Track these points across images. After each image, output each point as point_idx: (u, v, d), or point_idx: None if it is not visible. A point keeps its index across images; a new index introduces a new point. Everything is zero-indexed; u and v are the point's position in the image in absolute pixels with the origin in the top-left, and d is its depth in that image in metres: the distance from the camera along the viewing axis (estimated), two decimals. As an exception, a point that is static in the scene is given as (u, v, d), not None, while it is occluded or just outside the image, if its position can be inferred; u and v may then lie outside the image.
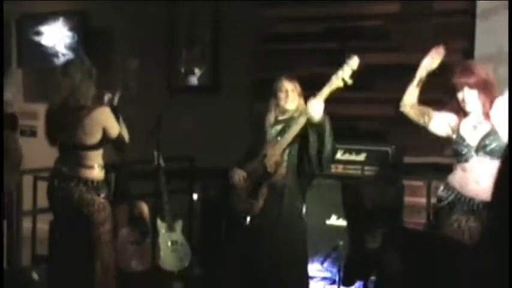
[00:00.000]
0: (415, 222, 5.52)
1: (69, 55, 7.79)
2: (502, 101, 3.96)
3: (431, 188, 5.71)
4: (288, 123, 4.65)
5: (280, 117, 4.71)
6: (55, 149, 4.98)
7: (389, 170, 5.54)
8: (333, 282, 5.36)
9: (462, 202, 4.05)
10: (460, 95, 4.05)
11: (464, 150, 4.03)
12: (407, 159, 5.83)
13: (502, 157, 2.11)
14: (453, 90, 4.08)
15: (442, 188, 4.19)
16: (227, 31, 7.17)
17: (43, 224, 6.01)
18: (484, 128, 4.02)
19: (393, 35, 6.33)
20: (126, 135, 4.90)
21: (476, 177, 3.99)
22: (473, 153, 4.01)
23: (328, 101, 4.46)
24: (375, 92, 6.15)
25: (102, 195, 4.83)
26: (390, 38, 6.33)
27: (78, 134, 4.73)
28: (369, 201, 3.42)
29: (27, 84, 8.46)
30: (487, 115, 4.01)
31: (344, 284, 4.90)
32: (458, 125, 4.10)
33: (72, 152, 4.79)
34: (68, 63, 5.08)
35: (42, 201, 5.20)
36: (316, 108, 4.42)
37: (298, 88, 4.68)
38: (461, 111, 4.10)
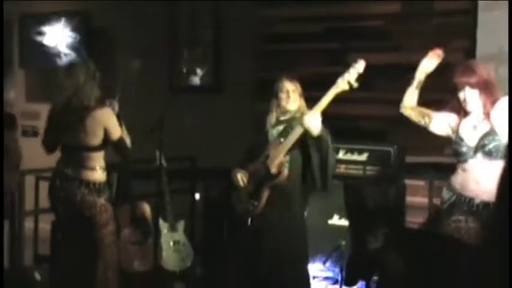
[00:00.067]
0: (417, 222, 5.52)
1: (71, 55, 7.80)
2: (504, 101, 3.96)
3: (433, 187, 5.72)
4: (289, 123, 4.64)
5: (282, 118, 4.71)
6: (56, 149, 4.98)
7: (391, 170, 5.54)
8: (335, 282, 5.36)
9: (462, 202, 4.05)
10: (461, 95, 4.05)
11: (464, 151, 4.03)
12: (409, 159, 5.82)
13: (505, 157, 2.12)
14: (454, 90, 4.08)
15: (445, 189, 4.20)
16: (229, 31, 7.17)
17: (45, 224, 6.02)
18: (484, 128, 4.02)
19: (394, 34, 6.33)
20: (128, 140, 4.89)
21: (476, 177, 3.99)
22: (472, 153, 4.01)
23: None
24: (376, 92, 6.15)
25: (104, 197, 4.83)
26: (391, 38, 6.33)
27: (80, 134, 4.73)
28: (371, 201, 3.44)
29: (29, 84, 8.47)
30: (487, 115, 4.01)
31: (346, 284, 4.91)
32: (459, 124, 4.10)
33: (74, 153, 4.79)
34: (71, 64, 5.08)
35: (44, 201, 5.21)
36: (314, 122, 4.42)
37: (299, 88, 4.68)
38: (461, 111, 4.10)
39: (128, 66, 7.63)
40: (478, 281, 1.93)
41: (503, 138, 3.92)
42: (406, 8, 6.28)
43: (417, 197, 5.81)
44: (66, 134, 4.79)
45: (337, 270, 5.25)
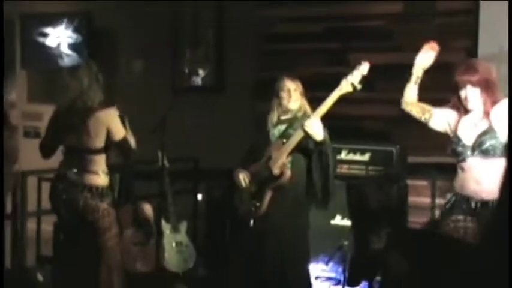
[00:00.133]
0: (420, 222, 5.52)
1: (73, 56, 7.80)
2: (504, 102, 3.97)
3: (436, 188, 5.72)
4: (291, 123, 4.64)
5: (283, 117, 4.70)
6: (58, 150, 4.98)
7: (393, 170, 5.54)
8: (338, 282, 5.36)
9: (462, 202, 4.05)
10: (462, 93, 4.05)
11: (461, 150, 4.03)
12: (411, 159, 5.82)
13: (504, 156, 2.12)
14: (456, 88, 4.08)
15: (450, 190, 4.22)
16: (231, 31, 7.17)
17: (47, 225, 6.03)
18: (483, 126, 4.02)
19: (396, 35, 6.32)
20: (132, 141, 4.88)
21: (475, 177, 3.99)
22: (469, 152, 4.01)
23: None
24: (378, 92, 6.15)
25: (107, 201, 4.82)
26: (393, 38, 6.33)
27: (83, 137, 4.72)
28: (374, 201, 3.43)
29: (31, 85, 8.47)
30: (487, 114, 4.01)
31: (349, 285, 4.91)
32: (458, 122, 4.11)
33: (76, 155, 4.78)
34: (75, 67, 5.08)
35: (47, 202, 5.20)
36: (316, 128, 4.43)
37: (301, 87, 4.68)
38: (462, 109, 4.10)
39: (130, 67, 7.63)
40: (479, 281, 1.93)
41: (502, 137, 3.93)
42: (408, 8, 6.28)
43: (420, 197, 5.81)
44: (69, 135, 4.79)
45: (339, 270, 5.25)
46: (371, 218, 3.39)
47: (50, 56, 8.03)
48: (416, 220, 5.53)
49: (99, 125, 4.73)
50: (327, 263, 5.36)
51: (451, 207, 4.10)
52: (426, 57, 4.27)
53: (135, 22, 7.58)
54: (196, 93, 7.37)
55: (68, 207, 4.79)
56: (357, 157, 5.73)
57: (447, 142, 4.18)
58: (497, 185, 2.01)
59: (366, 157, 5.71)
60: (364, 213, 3.34)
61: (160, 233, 5.64)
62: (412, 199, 5.70)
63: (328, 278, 5.52)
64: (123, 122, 4.84)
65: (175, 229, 5.79)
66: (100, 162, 4.80)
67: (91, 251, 4.79)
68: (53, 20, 8.00)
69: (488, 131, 3.98)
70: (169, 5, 7.40)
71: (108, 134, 4.76)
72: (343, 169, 5.67)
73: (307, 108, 4.68)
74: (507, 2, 5.32)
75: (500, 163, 3.92)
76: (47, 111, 5.10)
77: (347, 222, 5.43)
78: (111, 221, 4.83)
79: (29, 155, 6.43)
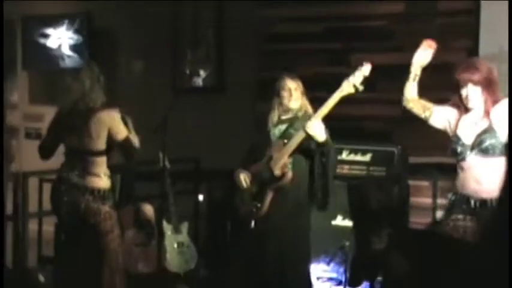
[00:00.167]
0: (421, 223, 5.52)
1: (74, 57, 7.80)
2: (505, 101, 3.97)
3: (437, 188, 5.72)
4: (292, 123, 4.64)
5: (284, 117, 4.70)
6: (59, 151, 4.98)
7: (394, 170, 5.53)
8: (339, 282, 5.35)
9: (462, 201, 4.05)
10: (463, 91, 4.05)
11: (461, 149, 4.03)
12: (412, 160, 5.82)
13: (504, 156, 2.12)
14: (456, 86, 4.08)
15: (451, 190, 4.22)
16: (231, 31, 7.17)
17: (49, 226, 6.02)
18: (482, 125, 4.02)
19: (397, 35, 6.32)
20: (136, 141, 4.87)
21: (475, 176, 3.99)
22: (469, 151, 4.01)
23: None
24: (379, 92, 6.14)
25: (108, 204, 4.81)
26: (394, 38, 6.33)
27: (85, 138, 4.71)
28: (375, 202, 3.43)
29: (32, 86, 8.47)
30: (487, 113, 4.02)
31: (350, 285, 4.91)
32: (458, 120, 4.11)
33: (78, 157, 4.77)
34: (76, 68, 5.07)
35: (48, 203, 5.20)
36: (317, 129, 4.43)
37: (301, 87, 4.67)
38: (462, 107, 4.10)
39: (131, 67, 7.64)
40: (479, 280, 1.93)
41: (501, 137, 3.94)
42: (410, 8, 6.28)
43: (421, 197, 5.81)
44: (71, 137, 4.78)
45: (341, 270, 5.25)
46: (372, 218, 3.40)
47: (51, 57, 8.04)
48: (418, 220, 5.52)
49: (100, 125, 4.72)
50: (328, 264, 5.36)
51: (451, 206, 4.10)
52: (424, 54, 4.27)
53: (136, 22, 7.58)
54: (197, 93, 7.37)
55: (69, 209, 4.78)
56: (358, 157, 5.73)
57: (448, 142, 4.18)
58: (497, 184, 2.01)
59: (367, 157, 5.71)
60: (365, 214, 3.34)
61: (161, 234, 5.64)
62: (414, 199, 5.69)
63: (330, 279, 5.51)
64: (126, 124, 4.83)
65: (176, 230, 5.78)
66: (102, 165, 4.79)
67: (92, 252, 4.79)
68: (53, 21, 8.01)
69: (488, 130, 3.98)
70: (169, 5, 7.40)
71: (110, 135, 4.75)
72: (344, 169, 5.67)
73: (308, 107, 4.68)
74: (507, 2, 5.32)
75: (500, 162, 3.93)
76: (49, 112, 5.10)
77: (348, 223, 5.43)
78: (112, 223, 4.82)
79: (30, 156, 6.44)
